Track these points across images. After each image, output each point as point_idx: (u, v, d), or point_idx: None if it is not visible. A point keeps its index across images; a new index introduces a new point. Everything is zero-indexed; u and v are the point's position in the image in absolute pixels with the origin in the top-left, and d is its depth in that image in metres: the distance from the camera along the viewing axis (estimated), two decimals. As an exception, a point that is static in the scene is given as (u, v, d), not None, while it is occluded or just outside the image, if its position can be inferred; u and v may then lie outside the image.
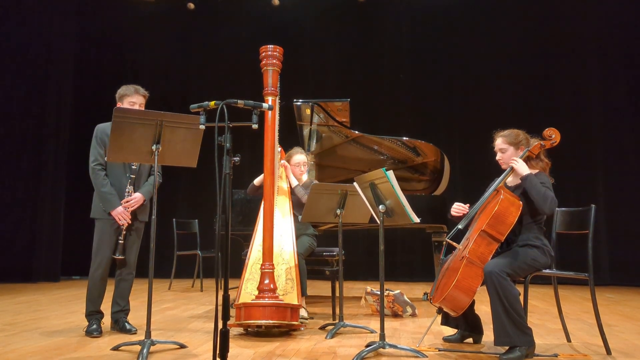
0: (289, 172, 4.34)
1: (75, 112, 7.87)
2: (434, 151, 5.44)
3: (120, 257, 3.46)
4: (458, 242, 3.20)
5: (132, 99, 3.54)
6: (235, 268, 3.94)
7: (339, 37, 8.40)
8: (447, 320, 3.35)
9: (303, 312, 3.96)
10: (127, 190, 3.48)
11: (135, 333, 3.43)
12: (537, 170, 3.11)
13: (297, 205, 4.26)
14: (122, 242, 3.46)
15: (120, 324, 3.51)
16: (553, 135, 3.16)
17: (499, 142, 3.21)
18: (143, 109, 3.54)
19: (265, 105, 2.45)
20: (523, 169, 3.01)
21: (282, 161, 4.32)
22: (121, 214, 3.43)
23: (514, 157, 3.14)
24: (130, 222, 3.47)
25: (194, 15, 8.56)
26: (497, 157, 3.23)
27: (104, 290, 3.53)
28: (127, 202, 3.45)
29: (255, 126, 2.35)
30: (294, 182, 4.30)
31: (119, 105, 3.55)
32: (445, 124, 8.12)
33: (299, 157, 4.41)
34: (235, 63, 8.16)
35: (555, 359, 2.85)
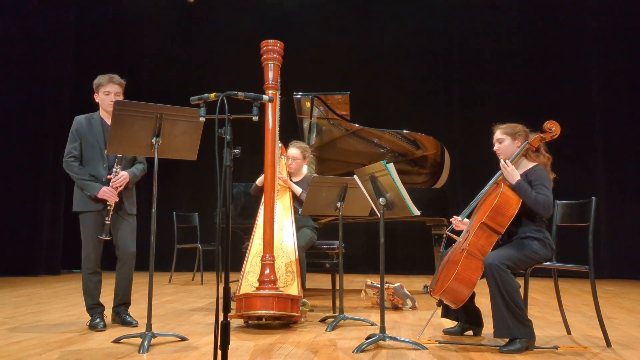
0: (291, 183, 4.29)
1: (74, 106, 7.82)
2: (434, 144, 5.43)
3: (106, 237, 3.40)
4: (458, 235, 3.20)
5: (106, 88, 3.50)
6: (235, 261, 3.94)
7: (338, 30, 8.37)
8: (447, 313, 3.36)
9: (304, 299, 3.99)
10: (114, 169, 3.43)
11: (136, 326, 3.43)
12: (534, 164, 3.11)
13: (297, 198, 4.25)
14: (108, 222, 3.39)
15: (121, 317, 3.52)
16: (553, 128, 3.15)
17: (497, 133, 3.23)
18: (121, 98, 3.49)
19: (265, 97, 2.43)
20: (513, 175, 2.98)
21: (281, 175, 4.24)
22: (107, 192, 3.39)
23: (510, 149, 3.15)
24: (117, 199, 3.42)
25: (194, 8, 8.53)
26: (495, 148, 3.24)
27: (99, 282, 3.52)
28: (115, 181, 3.41)
29: (255, 118, 2.33)
30: (298, 190, 4.25)
31: (95, 96, 3.54)
32: (446, 117, 8.11)
33: (291, 149, 4.39)
34: (235, 56, 8.14)
35: (555, 351, 2.86)
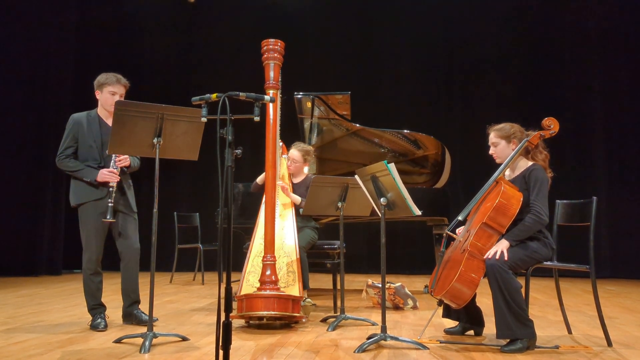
0: (290, 193, 4.26)
1: (75, 106, 7.78)
2: (435, 144, 5.43)
3: (110, 219, 3.35)
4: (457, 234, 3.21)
5: (112, 88, 3.46)
6: (236, 261, 3.95)
7: (339, 30, 8.37)
8: (448, 313, 3.36)
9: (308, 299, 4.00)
10: (114, 156, 3.41)
11: (155, 321, 3.42)
12: (531, 163, 3.11)
13: (297, 206, 4.24)
14: (111, 204, 3.34)
15: (137, 317, 3.48)
16: (552, 125, 3.15)
17: (492, 136, 3.22)
18: (123, 99, 3.47)
19: (267, 97, 2.44)
20: (503, 245, 2.92)
21: (280, 182, 4.22)
22: (107, 173, 3.37)
23: (506, 152, 3.15)
24: (119, 179, 3.40)
25: (194, 9, 8.53)
26: (490, 152, 3.24)
27: (100, 283, 3.50)
28: (119, 159, 3.41)
29: (257, 118, 2.34)
30: (297, 200, 4.21)
31: (97, 93, 3.50)
32: (446, 116, 8.11)
33: (291, 151, 4.37)
34: (236, 56, 8.15)
35: (556, 351, 2.86)
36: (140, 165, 3.69)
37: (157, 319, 3.50)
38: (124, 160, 3.46)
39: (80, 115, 3.53)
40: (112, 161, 3.43)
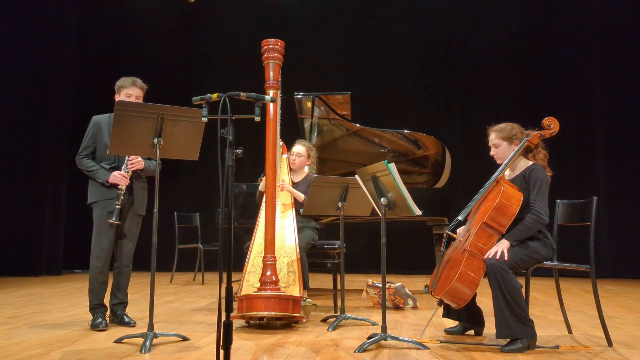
0: (292, 189, 4.26)
1: (76, 105, 7.85)
2: (435, 144, 5.43)
3: (116, 221, 3.40)
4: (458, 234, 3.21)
5: (128, 90, 3.54)
6: (236, 261, 3.96)
7: (339, 30, 8.37)
8: (448, 313, 3.36)
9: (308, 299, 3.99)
10: (128, 157, 3.46)
11: (134, 326, 3.43)
12: (531, 163, 3.11)
13: (300, 203, 4.24)
14: (118, 206, 3.40)
15: (119, 317, 3.51)
16: (552, 124, 3.15)
17: (492, 137, 3.21)
18: (140, 101, 3.53)
19: (267, 97, 2.45)
20: (503, 245, 2.92)
21: (284, 184, 4.24)
22: (117, 176, 3.42)
23: (507, 153, 3.14)
24: (128, 182, 3.45)
25: (194, 8, 8.53)
26: (492, 153, 3.23)
27: (106, 282, 3.51)
28: (131, 162, 3.46)
29: (257, 118, 2.34)
30: (300, 196, 4.21)
31: (116, 96, 3.57)
32: (446, 116, 8.12)
33: (296, 147, 4.40)
34: (237, 56, 8.15)
35: (556, 351, 2.86)
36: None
37: (135, 323, 3.50)
38: (137, 163, 3.49)
39: (100, 117, 3.59)
40: (124, 164, 3.47)
